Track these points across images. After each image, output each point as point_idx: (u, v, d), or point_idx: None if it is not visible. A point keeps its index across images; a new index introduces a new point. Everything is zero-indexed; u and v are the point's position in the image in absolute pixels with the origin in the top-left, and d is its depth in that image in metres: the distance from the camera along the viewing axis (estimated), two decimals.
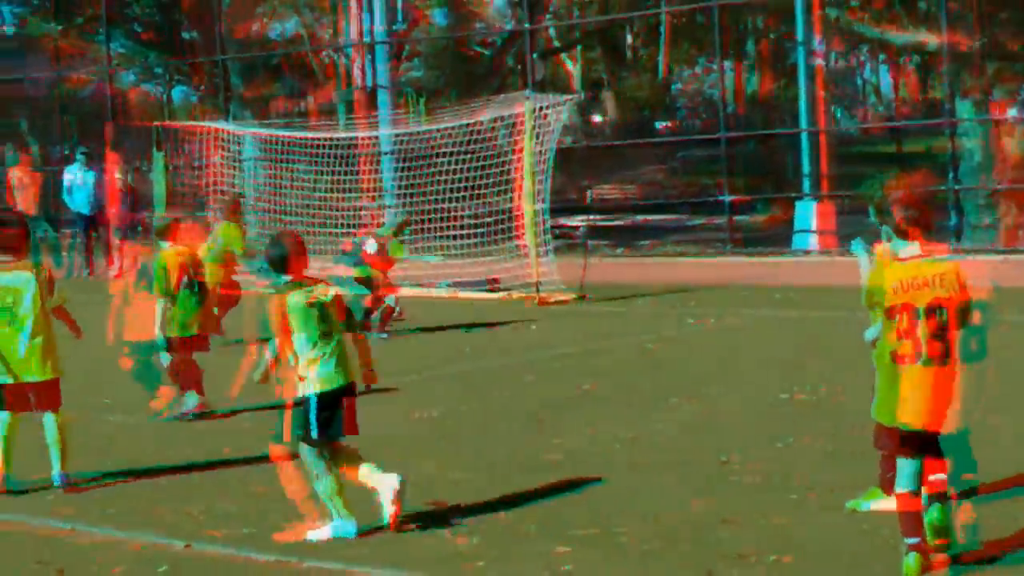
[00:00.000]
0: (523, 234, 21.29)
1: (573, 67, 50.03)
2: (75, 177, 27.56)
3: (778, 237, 26.71)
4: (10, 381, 9.95)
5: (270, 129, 26.64)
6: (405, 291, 20.62)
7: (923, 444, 7.40)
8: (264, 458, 9.80)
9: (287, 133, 25.50)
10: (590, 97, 46.90)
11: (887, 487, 8.31)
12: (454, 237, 23.02)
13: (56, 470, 10.05)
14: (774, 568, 7.60)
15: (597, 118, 48.53)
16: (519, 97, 22.47)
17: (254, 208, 25.33)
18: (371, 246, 17.99)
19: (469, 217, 22.75)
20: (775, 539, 8.08)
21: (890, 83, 50.27)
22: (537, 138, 21.10)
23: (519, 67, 35.35)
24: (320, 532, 8.53)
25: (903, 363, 7.33)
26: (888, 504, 8.01)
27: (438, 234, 23.11)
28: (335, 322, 8.70)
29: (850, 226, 24.62)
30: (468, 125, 23.10)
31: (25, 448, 10.23)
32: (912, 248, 7.43)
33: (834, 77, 29.40)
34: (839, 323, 16.14)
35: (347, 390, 8.67)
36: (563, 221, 26.80)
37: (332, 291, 8.80)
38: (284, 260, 8.75)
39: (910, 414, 7.34)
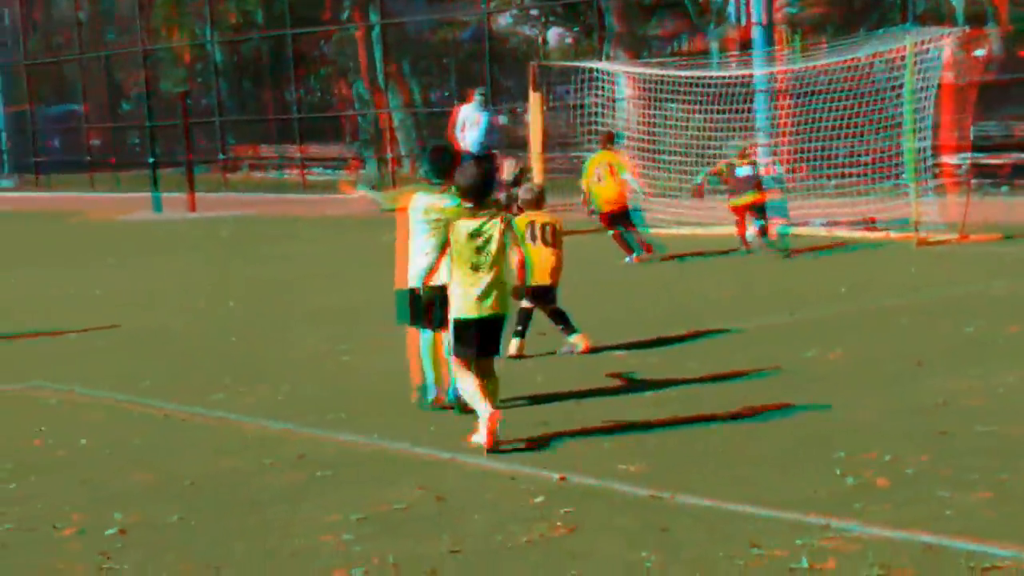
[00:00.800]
0: (903, 173, 20.74)
1: (956, 0, 48.28)
2: (469, 116, 28.13)
3: None
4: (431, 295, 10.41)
5: (644, 68, 26.66)
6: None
7: None
8: (644, 391, 9.89)
9: (661, 72, 25.45)
10: (974, 31, 45.19)
11: None
12: (830, 176, 22.60)
13: (454, 383, 10.42)
14: None
15: (981, 53, 46.73)
16: (900, 32, 21.81)
17: (627, 147, 25.44)
18: (743, 170, 19.48)
19: (846, 155, 22.28)
20: None
21: None
22: (918, 74, 20.46)
23: (900, 1, 34.33)
24: (478, 436, 9.37)
25: None
26: None
27: (814, 173, 22.73)
28: (495, 255, 9.34)
29: None
30: (846, 61, 22.57)
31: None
32: None
33: None
34: None
35: (487, 321, 9.41)
36: (945, 159, 25.96)
37: (501, 225, 9.38)
38: (471, 189, 9.41)
39: None
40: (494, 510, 7.99)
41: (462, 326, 9.41)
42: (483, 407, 9.36)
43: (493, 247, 9.33)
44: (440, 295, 10.06)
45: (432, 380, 10.50)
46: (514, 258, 9.48)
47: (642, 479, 8.45)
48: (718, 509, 7.78)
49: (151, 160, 36.79)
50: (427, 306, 10.35)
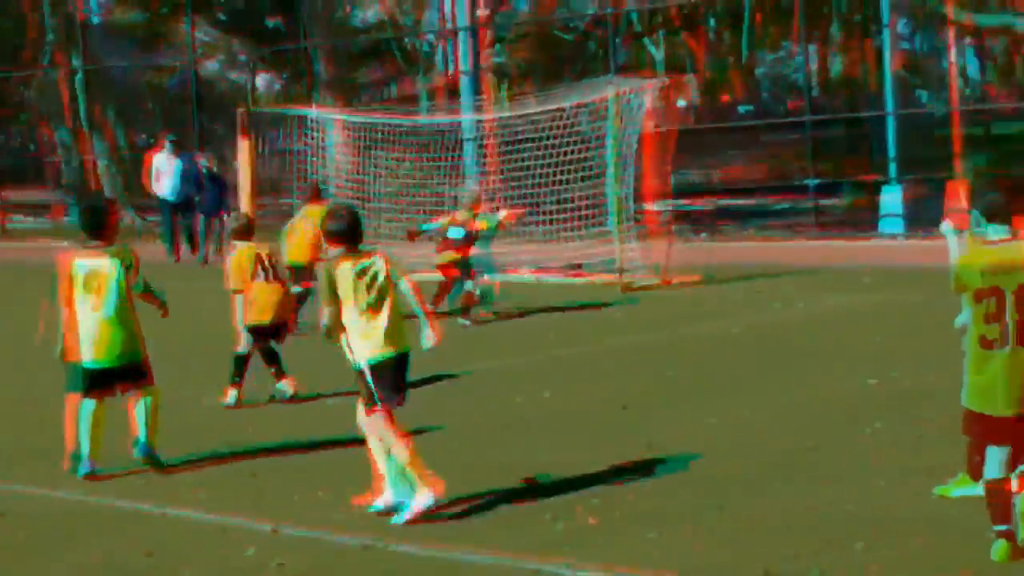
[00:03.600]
0: (607, 219, 21.21)
1: (657, 51, 49.77)
2: (162, 164, 27.79)
3: (864, 221, 26.47)
4: (101, 366, 10.03)
5: (354, 116, 26.71)
6: (489, 277, 20.60)
7: (1013, 431, 7.28)
8: (355, 440, 9.93)
9: (371, 120, 25.54)
10: (674, 82, 46.63)
11: (975, 473, 8.24)
12: (538, 223, 22.96)
13: (142, 439, 10.09)
14: (863, 554, 7.53)
15: (680, 103, 48.26)
16: (603, 82, 22.37)
17: (337, 195, 25.39)
18: (456, 231, 18.04)
19: (553, 202, 22.68)
20: (863, 526, 8.01)
21: (977, 66, 49.62)
22: (621, 123, 21.00)
23: (603, 52, 35.23)
24: (385, 500, 8.72)
25: (991, 348, 7.22)
26: (977, 491, 7.93)
27: (522, 219, 23.05)
28: (385, 293, 8.84)
29: (937, 210, 24.39)
30: (552, 111, 23.02)
31: (114, 433, 10.34)
32: (1001, 231, 7.32)
33: (919, 60, 29.03)
34: (927, 308, 15.93)
35: (399, 360, 8.84)
36: (647, 206, 26.68)
37: (383, 263, 8.93)
38: (342, 233, 8.92)
39: (999, 400, 7.22)
40: (205, 563, 7.88)
41: (381, 367, 8.76)
42: (420, 483, 8.64)
43: (381, 283, 8.85)
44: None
45: (87, 452, 10.00)
46: (408, 284, 9.03)
47: (355, 527, 8.43)
48: (434, 556, 7.83)
49: None
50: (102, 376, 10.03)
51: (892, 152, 26.59)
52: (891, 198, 25.91)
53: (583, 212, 22.10)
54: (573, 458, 10.02)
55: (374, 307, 8.80)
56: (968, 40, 46.59)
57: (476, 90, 29.62)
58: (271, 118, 27.92)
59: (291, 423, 11.79)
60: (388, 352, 8.78)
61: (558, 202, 22.57)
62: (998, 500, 7.29)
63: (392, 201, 24.33)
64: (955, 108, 28.80)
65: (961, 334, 8.07)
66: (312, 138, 25.29)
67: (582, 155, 22.19)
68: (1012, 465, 7.35)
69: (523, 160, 22.96)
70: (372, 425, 8.83)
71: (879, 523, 8.04)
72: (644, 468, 9.62)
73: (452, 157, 24.78)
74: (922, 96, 34.83)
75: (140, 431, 10.16)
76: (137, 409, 10.19)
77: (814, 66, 39.88)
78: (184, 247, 28.06)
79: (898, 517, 8.16)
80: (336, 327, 8.82)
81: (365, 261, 8.89)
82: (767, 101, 49.77)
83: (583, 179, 22.10)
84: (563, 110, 22.84)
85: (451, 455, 10.29)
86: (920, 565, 7.34)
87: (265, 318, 12.74)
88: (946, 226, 8.56)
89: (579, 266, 21.80)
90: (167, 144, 28.40)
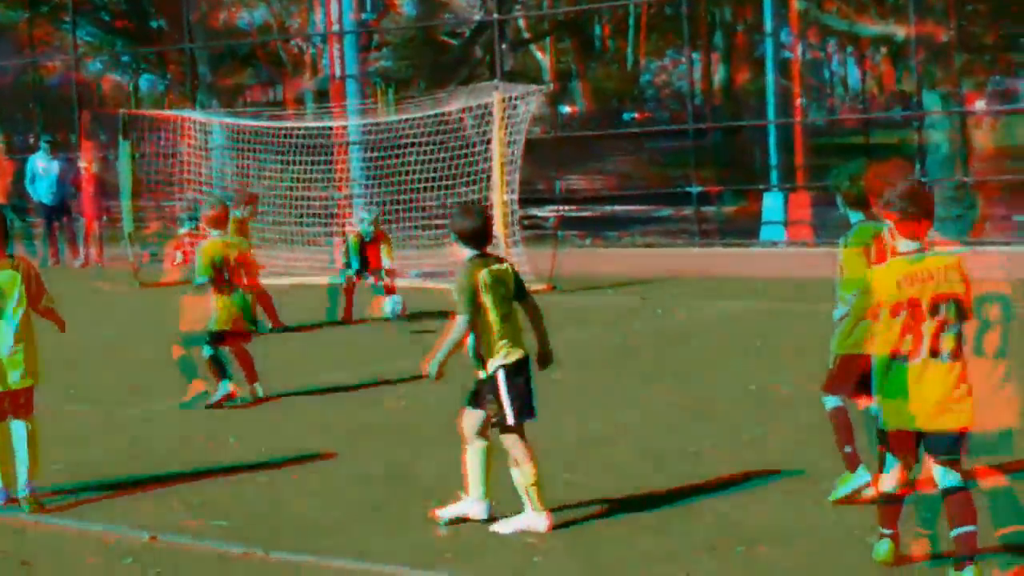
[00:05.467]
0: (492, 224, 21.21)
1: (543, 58, 49.98)
2: (38, 166, 27.43)
3: (747, 229, 26.73)
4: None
5: (238, 118, 26.52)
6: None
7: (923, 442, 7.22)
8: (249, 466, 9.81)
9: (254, 122, 25.36)
10: (559, 88, 46.88)
11: (850, 463, 8.50)
12: (424, 227, 22.94)
13: (22, 480, 9.35)
14: (744, 558, 7.60)
15: (566, 109, 48.52)
16: (488, 87, 22.39)
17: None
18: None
19: (438, 207, 22.66)
20: (746, 529, 8.08)
21: (858, 75, 50.50)
22: (506, 128, 21.02)
23: (488, 57, 35.26)
24: (508, 524, 8.36)
25: (903, 359, 7.10)
26: (864, 479, 8.26)
27: (407, 224, 23.03)
28: (512, 298, 8.51)
29: (819, 217, 24.72)
30: (437, 115, 23.01)
31: None
32: (912, 242, 7.24)
33: (802, 69, 29.43)
34: (807, 314, 16.11)
35: (525, 363, 8.52)
36: (532, 212, 26.77)
37: (512, 269, 8.61)
38: (477, 233, 8.50)
39: (908, 414, 7.12)
40: (81, 573, 7.75)
41: (515, 369, 8.42)
42: (537, 504, 8.38)
43: (512, 292, 8.48)
44: None
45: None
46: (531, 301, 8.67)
47: (234, 535, 8.35)
48: (314, 565, 7.77)
49: None
50: None
51: (774, 160, 26.88)
52: (773, 206, 26.19)
53: None
54: (457, 464, 9.99)
55: (509, 313, 8.45)
56: (850, 50, 47.41)
57: (361, 94, 29.52)
58: (154, 120, 27.60)
59: (178, 430, 11.65)
60: (517, 356, 8.46)
61: (443, 206, 22.56)
62: (889, 506, 7.35)
63: (278, 204, 24.19)
64: (836, 116, 29.21)
65: (835, 326, 8.26)
66: (195, 141, 25.08)
67: (467, 160, 22.21)
68: (904, 474, 7.35)
69: (409, 164, 22.91)
70: (506, 440, 8.52)
71: (758, 527, 8.11)
72: None
73: (338, 161, 24.66)
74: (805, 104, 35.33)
75: (19, 470, 9.40)
76: (15, 441, 9.39)
77: (698, 74, 40.26)
78: (64, 250, 27.67)
79: (777, 521, 8.24)
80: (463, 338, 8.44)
81: (498, 265, 8.52)
82: (654, 108, 50.23)
83: (468, 184, 22.12)
84: (450, 114, 22.84)
85: (338, 464, 10.25)
86: (799, 569, 7.42)
87: (227, 325, 12.54)
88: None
89: None
90: (43, 145, 28.06)
